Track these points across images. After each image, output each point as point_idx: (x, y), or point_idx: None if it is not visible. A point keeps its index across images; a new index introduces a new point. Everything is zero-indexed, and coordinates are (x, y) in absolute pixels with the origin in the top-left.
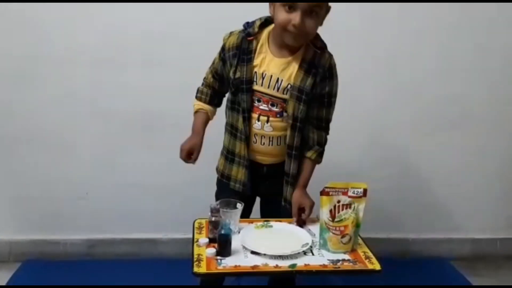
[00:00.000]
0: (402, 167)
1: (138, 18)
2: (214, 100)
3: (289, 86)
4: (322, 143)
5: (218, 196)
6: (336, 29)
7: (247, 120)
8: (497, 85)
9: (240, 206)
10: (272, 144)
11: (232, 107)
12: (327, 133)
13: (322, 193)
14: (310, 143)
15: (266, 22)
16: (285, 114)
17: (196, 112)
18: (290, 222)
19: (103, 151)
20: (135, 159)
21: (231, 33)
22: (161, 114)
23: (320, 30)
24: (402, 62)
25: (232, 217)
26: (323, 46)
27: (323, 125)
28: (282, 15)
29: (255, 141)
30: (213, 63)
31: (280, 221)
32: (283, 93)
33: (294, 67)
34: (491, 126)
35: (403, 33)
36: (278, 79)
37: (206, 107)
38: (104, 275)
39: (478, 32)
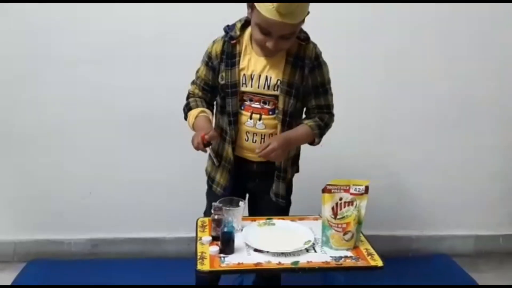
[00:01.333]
0: (404, 165)
1: (141, 18)
2: (209, 107)
3: (278, 82)
4: (324, 120)
5: (207, 197)
6: (338, 27)
7: (233, 124)
8: (499, 83)
9: (242, 204)
10: (263, 142)
11: (222, 110)
12: (331, 116)
13: (324, 190)
14: (311, 116)
15: (246, 22)
16: (277, 111)
17: (196, 117)
18: (291, 220)
19: (106, 151)
20: (138, 158)
21: (214, 41)
22: (164, 114)
23: (323, 28)
24: (404, 61)
25: (235, 215)
26: (306, 38)
27: (325, 111)
28: (257, 35)
29: (246, 139)
30: (199, 76)
31: (283, 219)
32: (274, 90)
33: (281, 63)
34: (493, 123)
35: (404, 31)
36: (267, 77)
37: (206, 110)
38: (108, 274)
39: (480, 31)
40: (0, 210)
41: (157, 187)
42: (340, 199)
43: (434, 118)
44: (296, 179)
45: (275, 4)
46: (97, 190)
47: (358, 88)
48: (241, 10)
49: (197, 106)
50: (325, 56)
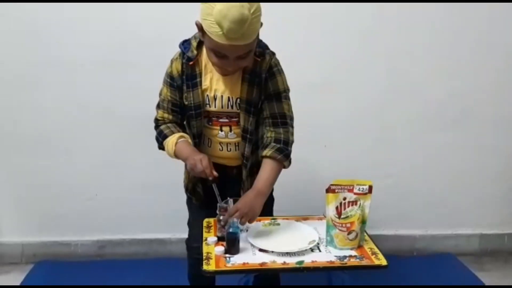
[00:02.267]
0: (408, 164)
1: (143, 20)
2: (184, 130)
3: (238, 100)
4: (280, 140)
5: (188, 207)
6: (337, 29)
7: (197, 146)
8: (499, 83)
9: None
10: (238, 149)
11: (189, 128)
12: (288, 130)
13: (328, 190)
14: (266, 141)
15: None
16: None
17: (176, 144)
18: (296, 220)
19: (112, 153)
20: (143, 159)
21: (172, 60)
22: None
23: (322, 31)
24: (404, 61)
25: None
26: (261, 53)
27: (279, 121)
28: (213, 58)
29: (221, 149)
30: (164, 99)
31: (287, 218)
32: (236, 108)
33: (238, 81)
34: (496, 121)
35: (404, 31)
36: (229, 98)
37: (184, 134)
38: (114, 275)
39: (480, 30)
40: (7, 212)
41: (162, 188)
42: (344, 198)
43: (438, 117)
44: (300, 179)
45: (223, 29)
46: (103, 192)
47: (359, 87)
48: None
49: (172, 132)
50: (326, 58)
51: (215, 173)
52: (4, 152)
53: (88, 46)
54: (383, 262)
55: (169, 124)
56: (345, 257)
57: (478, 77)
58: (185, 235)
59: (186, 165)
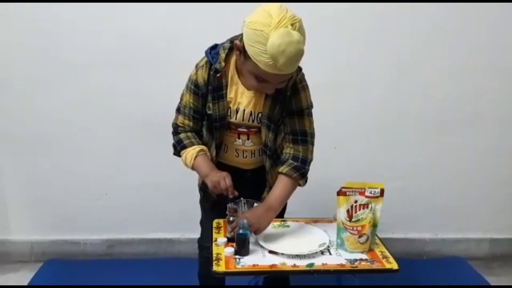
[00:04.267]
0: (418, 167)
1: (151, 21)
2: (202, 139)
3: (260, 115)
4: (298, 158)
5: (201, 206)
6: (347, 30)
7: (219, 153)
8: (510, 84)
9: (257, 205)
10: (254, 156)
11: (209, 132)
12: (307, 148)
13: (339, 193)
14: (284, 157)
15: (230, 49)
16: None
17: (196, 158)
18: (306, 222)
19: (121, 152)
20: (153, 160)
21: (197, 67)
22: None
23: (329, 32)
24: (414, 62)
25: None
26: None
27: (299, 139)
28: (252, 81)
29: (237, 155)
30: (186, 105)
31: (297, 221)
32: (257, 122)
33: (262, 96)
34: (506, 124)
35: (414, 32)
36: (251, 112)
37: (204, 148)
38: (123, 274)
39: (489, 31)
40: (17, 211)
41: (171, 188)
42: (355, 201)
43: (448, 119)
44: (310, 181)
45: (277, 63)
46: (112, 191)
47: (369, 90)
48: (245, 11)
49: (192, 144)
50: (332, 60)
51: (236, 192)
52: (13, 152)
53: (99, 48)
54: (394, 266)
55: (189, 134)
56: (355, 260)
57: (488, 78)
58: (194, 235)
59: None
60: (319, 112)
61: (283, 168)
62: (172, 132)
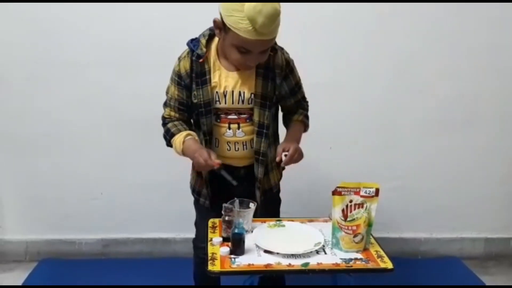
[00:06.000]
0: (413, 167)
1: (151, 21)
2: (190, 128)
3: (252, 96)
4: (305, 109)
5: (195, 208)
6: (346, 30)
7: (208, 143)
8: (508, 85)
9: (253, 205)
10: (246, 148)
11: (197, 126)
12: (307, 102)
13: (334, 192)
14: (295, 110)
15: (210, 36)
16: (252, 121)
17: (184, 142)
18: (301, 222)
19: (117, 152)
20: (148, 159)
21: (179, 59)
22: None
23: (328, 32)
24: (413, 62)
25: (245, 217)
26: (274, 47)
27: (302, 102)
28: (235, 55)
29: (229, 149)
30: (171, 97)
31: (293, 220)
32: (248, 104)
33: (251, 76)
34: (502, 125)
35: (413, 32)
36: (240, 92)
37: (191, 132)
38: (118, 274)
39: (487, 32)
40: (12, 210)
41: (167, 187)
42: (351, 201)
43: (443, 120)
44: (305, 181)
45: (256, 25)
46: (108, 191)
47: (366, 90)
48: None
49: (179, 131)
50: (331, 62)
51: (217, 160)
52: (9, 151)
53: (97, 48)
54: (389, 265)
55: (175, 122)
56: (350, 259)
57: (486, 79)
58: (189, 235)
59: (192, 166)
60: (318, 111)
61: (297, 117)
62: (162, 125)
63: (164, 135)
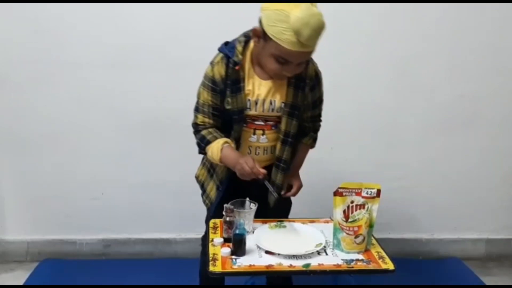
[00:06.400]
0: (414, 167)
1: (150, 20)
2: (223, 133)
3: (282, 104)
4: (316, 130)
5: (207, 210)
6: (347, 31)
7: (237, 148)
8: (508, 85)
9: (254, 206)
10: (266, 153)
11: (225, 128)
12: (321, 121)
13: (336, 193)
14: (307, 131)
15: (245, 43)
16: (278, 129)
17: (222, 150)
18: (303, 222)
19: (118, 152)
20: (149, 159)
21: (212, 64)
22: (174, 115)
23: (329, 32)
24: (413, 63)
25: (246, 217)
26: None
27: (318, 119)
28: (273, 65)
29: (249, 152)
30: (204, 103)
31: (294, 221)
32: (277, 112)
33: (283, 85)
34: (503, 126)
35: (413, 34)
36: (271, 101)
37: (227, 140)
38: (119, 274)
39: (488, 32)
40: (13, 210)
41: (168, 188)
42: (352, 202)
43: (443, 120)
44: (306, 181)
45: (302, 37)
46: (109, 191)
47: (368, 90)
48: (248, 10)
49: (215, 138)
50: (331, 62)
51: (262, 170)
52: (10, 151)
53: (98, 47)
54: (390, 266)
55: (210, 129)
56: (352, 260)
57: (488, 80)
58: (190, 235)
59: (202, 164)
60: None
61: (307, 140)
62: (194, 132)
63: (198, 143)
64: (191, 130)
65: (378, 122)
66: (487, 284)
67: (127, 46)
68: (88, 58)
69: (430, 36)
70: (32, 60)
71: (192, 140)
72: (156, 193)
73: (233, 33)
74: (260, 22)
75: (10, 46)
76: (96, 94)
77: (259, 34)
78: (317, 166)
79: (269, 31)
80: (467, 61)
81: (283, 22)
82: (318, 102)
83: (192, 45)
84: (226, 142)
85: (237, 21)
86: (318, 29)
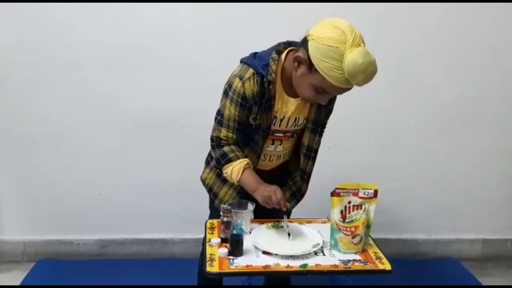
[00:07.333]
0: (413, 168)
1: (150, 20)
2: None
3: (305, 121)
4: (305, 171)
5: (210, 209)
6: None
7: (257, 159)
8: (509, 86)
9: (251, 206)
10: (279, 159)
11: (244, 138)
12: (313, 163)
13: (333, 194)
14: (292, 168)
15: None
16: (301, 147)
17: (243, 172)
18: (300, 223)
19: (115, 153)
20: (147, 160)
21: (242, 79)
22: (173, 115)
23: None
24: (413, 63)
25: (244, 218)
26: None
27: (312, 155)
28: (310, 93)
29: (263, 159)
30: (229, 117)
31: (291, 221)
32: (299, 127)
33: (307, 103)
34: (502, 126)
35: (413, 34)
36: (296, 118)
37: (249, 161)
38: (116, 274)
39: (488, 32)
40: (10, 210)
41: (165, 188)
42: (349, 202)
43: (441, 122)
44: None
45: (354, 80)
46: (106, 192)
47: (368, 90)
48: (248, 11)
49: (238, 157)
50: None
51: (288, 204)
52: (7, 151)
53: (98, 46)
54: (388, 266)
55: (233, 147)
56: (349, 261)
57: (487, 80)
58: (187, 235)
59: (210, 168)
60: None
61: (293, 184)
62: (213, 145)
63: (218, 159)
64: (190, 133)
65: (376, 122)
66: (484, 284)
67: (127, 46)
68: (88, 58)
69: (430, 36)
70: (32, 60)
71: (191, 141)
72: (153, 193)
73: (233, 33)
74: (306, 48)
75: (10, 46)
76: (96, 94)
77: (303, 62)
78: (316, 166)
79: (318, 65)
80: (467, 61)
81: (336, 61)
82: (329, 114)
83: (192, 45)
84: (248, 163)
85: (237, 21)
86: (372, 76)
